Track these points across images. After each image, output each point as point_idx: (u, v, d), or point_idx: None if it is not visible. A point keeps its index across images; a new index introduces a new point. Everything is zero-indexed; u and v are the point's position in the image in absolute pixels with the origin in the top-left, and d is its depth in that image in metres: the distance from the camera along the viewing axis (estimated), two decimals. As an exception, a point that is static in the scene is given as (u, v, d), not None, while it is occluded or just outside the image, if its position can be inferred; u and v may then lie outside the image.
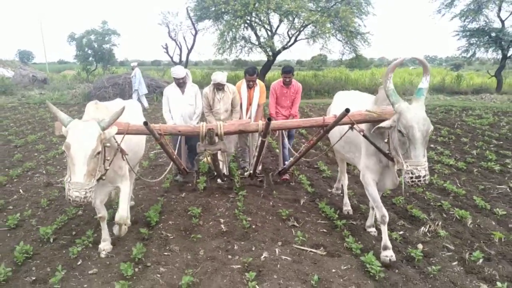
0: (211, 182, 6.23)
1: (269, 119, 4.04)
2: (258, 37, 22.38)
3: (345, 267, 3.75)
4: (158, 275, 3.58)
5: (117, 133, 3.48)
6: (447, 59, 26.17)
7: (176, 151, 5.72)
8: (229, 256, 3.98)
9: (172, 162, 5.38)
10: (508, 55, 23.60)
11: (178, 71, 6.18)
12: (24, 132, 10.95)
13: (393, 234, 4.43)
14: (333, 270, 3.69)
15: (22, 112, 15.39)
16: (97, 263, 3.85)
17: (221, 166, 5.87)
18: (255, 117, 6.44)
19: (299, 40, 22.52)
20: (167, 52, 24.57)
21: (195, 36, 23.56)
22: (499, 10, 22.63)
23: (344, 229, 4.58)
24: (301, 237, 4.30)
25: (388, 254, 3.83)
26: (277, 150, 7.45)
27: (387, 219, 3.96)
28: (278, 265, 3.76)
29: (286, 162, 6.11)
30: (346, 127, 4.02)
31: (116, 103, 4.53)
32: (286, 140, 6.25)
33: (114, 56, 31.19)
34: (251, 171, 5.83)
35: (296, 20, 21.22)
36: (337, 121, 3.85)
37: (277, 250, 4.08)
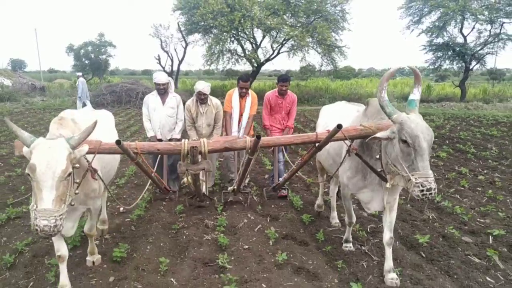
0: (188, 203, 5.83)
1: (258, 137, 3.63)
2: (243, 50, 24.59)
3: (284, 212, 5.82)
4: (161, 207, 5.64)
5: (87, 152, 3.11)
6: (434, 70, 28.39)
7: (155, 168, 5.42)
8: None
9: (150, 181, 5.08)
10: (471, 67, 26.12)
11: (160, 76, 6.01)
12: (39, 131, 12.87)
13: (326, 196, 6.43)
14: (282, 214, 5.60)
15: (30, 116, 17.24)
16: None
17: (202, 186, 5.65)
18: (245, 129, 6.16)
19: (281, 52, 24.80)
20: (160, 63, 26.63)
21: (185, 48, 25.73)
22: (462, 27, 25.12)
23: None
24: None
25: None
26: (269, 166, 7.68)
27: (353, 224, 4.36)
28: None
29: (280, 179, 5.99)
30: (337, 142, 3.93)
31: (85, 114, 4.24)
32: (281, 154, 6.24)
33: (109, 66, 33.25)
34: (235, 187, 5.50)
35: (278, 35, 23.49)
36: (329, 138, 3.59)
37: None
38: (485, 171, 7.90)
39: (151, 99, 6.08)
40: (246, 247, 4.34)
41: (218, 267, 3.95)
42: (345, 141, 3.68)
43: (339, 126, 3.36)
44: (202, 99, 5.88)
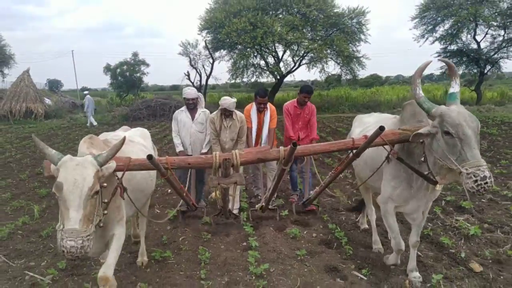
0: (214, 221, 5.72)
1: (294, 144, 3.46)
2: (266, 63, 26.54)
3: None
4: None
5: (116, 170, 3.06)
6: (463, 75, 29.01)
7: (183, 183, 5.07)
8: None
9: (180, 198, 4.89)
10: (485, 72, 27.14)
11: (190, 91, 5.98)
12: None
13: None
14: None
15: (77, 130, 19.38)
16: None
17: (230, 202, 5.34)
18: (267, 143, 6.01)
19: (302, 64, 26.58)
20: (189, 78, 28.71)
21: (212, 64, 27.75)
22: (475, 33, 26.26)
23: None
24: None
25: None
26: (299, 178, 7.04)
27: (402, 252, 3.89)
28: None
29: (311, 192, 5.82)
30: (374, 151, 3.74)
31: (119, 134, 4.17)
32: (310, 164, 6.04)
33: (142, 83, 35.57)
34: (263, 203, 5.14)
35: (298, 49, 25.28)
36: (369, 142, 3.40)
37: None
38: (466, 161, 9.29)
39: (181, 115, 6.08)
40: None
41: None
42: (385, 146, 3.49)
43: (381, 128, 3.15)
44: (226, 115, 5.79)
